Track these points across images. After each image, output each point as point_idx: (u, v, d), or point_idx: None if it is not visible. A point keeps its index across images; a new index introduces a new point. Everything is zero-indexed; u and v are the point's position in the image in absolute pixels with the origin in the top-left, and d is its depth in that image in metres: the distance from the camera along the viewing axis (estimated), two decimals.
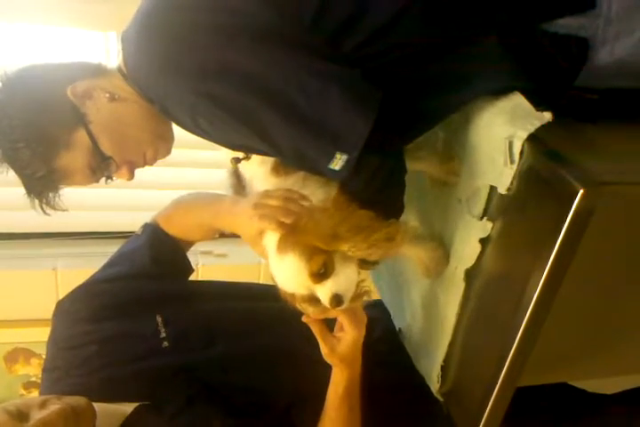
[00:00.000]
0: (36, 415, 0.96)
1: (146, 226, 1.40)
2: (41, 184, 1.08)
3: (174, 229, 1.38)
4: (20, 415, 0.96)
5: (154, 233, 1.38)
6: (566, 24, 1.00)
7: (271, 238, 1.07)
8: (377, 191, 1.04)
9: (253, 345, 1.27)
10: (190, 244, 1.44)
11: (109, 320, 1.25)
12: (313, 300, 1.08)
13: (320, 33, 0.95)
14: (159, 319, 1.25)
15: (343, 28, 0.95)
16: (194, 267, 1.48)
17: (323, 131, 0.93)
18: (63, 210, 1.13)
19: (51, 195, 1.10)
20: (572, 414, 1.41)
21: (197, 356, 1.23)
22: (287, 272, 1.06)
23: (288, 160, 1.01)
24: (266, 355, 1.25)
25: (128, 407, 1.11)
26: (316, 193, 1.08)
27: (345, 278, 1.06)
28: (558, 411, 1.40)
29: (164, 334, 1.23)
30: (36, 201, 1.10)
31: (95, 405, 1.04)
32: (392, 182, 1.06)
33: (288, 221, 1.04)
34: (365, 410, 1.28)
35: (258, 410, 1.17)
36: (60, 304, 1.31)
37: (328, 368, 1.18)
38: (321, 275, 1.04)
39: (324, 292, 1.06)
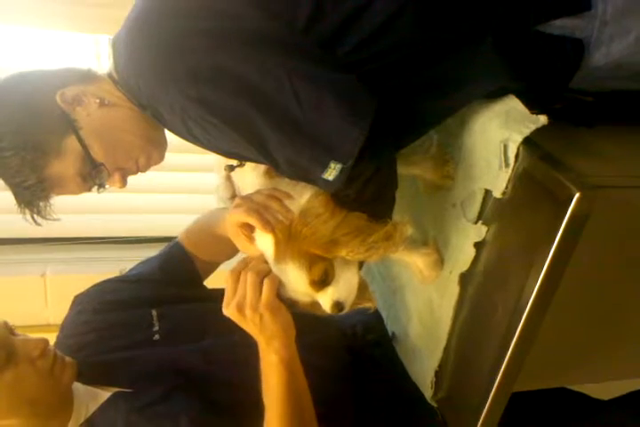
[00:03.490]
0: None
1: (173, 241, 1.49)
2: (30, 193, 1.06)
3: (191, 244, 1.45)
4: (12, 331, 1.12)
5: (173, 246, 1.46)
6: (562, 25, 1.00)
7: (266, 244, 1.05)
8: (366, 202, 1.02)
9: (241, 341, 1.26)
10: (212, 261, 1.47)
11: (109, 312, 1.31)
12: (314, 304, 1.08)
13: (314, 37, 0.94)
14: (154, 313, 1.30)
15: (337, 32, 0.94)
16: None
17: (316, 139, 0.92)
18: (54, 219, 1.11)
19: (41, 204, 1.09)
20: (568, 418, 1.41)
21: (185, 349, 1.25)
22: (288, 281, 1.05)
23: (281, 169, 1.00)
24: (253, 352, 1.23)
25: (109, 394, 1.15)
26: (306, 191, 1.06)
27: (345, 284, 1.06)
28: (554, 416, 1.40)
29: (157, 328, 1.28)
30: (27, 211, 1.09)
31: (83, 387, 1.16)
32: (383, 195, 1.05)
33: (269, 218, 1.04)
34: (358, 415, 1.27)
35: (243, 408, 1.16)
36: (75, 297, 1.39)
37: (317, 370, 1.17)
38: (322, 282, 1.04)
39: (325, 299, 1.06)
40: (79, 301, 1.37)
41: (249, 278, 1.05)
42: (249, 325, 1.08)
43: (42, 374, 1.08)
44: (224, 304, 1.08)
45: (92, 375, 1.18)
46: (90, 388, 1.16)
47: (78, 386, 1.16)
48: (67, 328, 1.32)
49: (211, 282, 1.48)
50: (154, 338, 1.27)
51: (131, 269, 1.47)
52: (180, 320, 1.32)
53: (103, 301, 1.34)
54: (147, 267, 1.44)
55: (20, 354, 1.07)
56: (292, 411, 1.09)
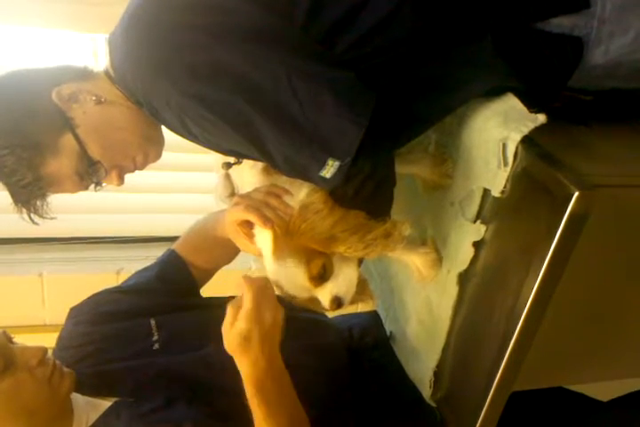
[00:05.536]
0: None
1: (168, 249, 1.46)
2: (27, 192, 1.05)
3: (187, 251, 1.43)
4: (10, 340, 1.10)
5: (168, 255, 1.44)
6: (560, 23, 1.00)
7: (265, 240, 1.05)
8: (364, 200, 1.02)
9: None
10: (209, 267, 1.45)
11: (107, 323, 1.29)
12: (314, 301, 1.07)
13: (312, 33, 0.93)
14: (153, 323, 1.29)
15: (336, 28, 0.94)
16: None
17: (314, 136, 0.92)
18: (51, 218, 1.11)
19: (38, 203, 1.08)
20: (567, 419, 1.41)
21: (185, 357, 1.24)
22: (287, 277, 1.04)
23: (278, 166, 0.99)
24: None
25: (110, 403, 1.15)
26: (304, 187, 1.06)
27: (344, 280, 1.06)
28: (553, 416, 1.40)
29: (156, 337, 1.26)
30: (24, 210, 1.08)
31: (82, 397, 1.15)
32: (381, 193, 1.05)
33: (269, 215, 1.04)
34: (358, 417, 1.27)
35: (246, 414, 1.16)
36: (71, 309, 1.37)
37: (316, 372, 1.16)
38: (321, 278, 1.03)
39: (324, 295, 1.05)
40: (75, 313, 1.35)
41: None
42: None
43: (40, 383, 1.07)
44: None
45: (91, 386, 1.16)
46: (90, 398, 1.16)
47: (77, 397, 1.15)
48: (64, 341, 1.30)
49: (210, 290, 1.48)
50: (153, 347, 1.25)
51: (126, 280, 1.45)
52: (180, 329, 1.30)
53: (100, 312, 1.32)
54: (143, 277, 1.42)
55: (18, 362, 1.06)
56: (278, 413, 1.05)
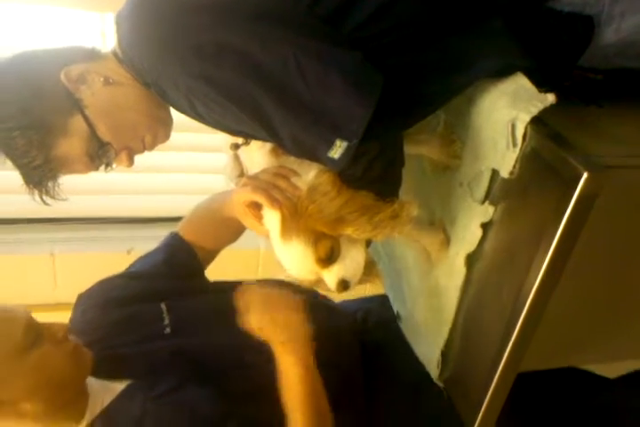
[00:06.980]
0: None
1: (170, 233, 1.46)
2: (39, 173, 1.06)
3: (192, 233, 1.43)
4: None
5: (172, 239, 1.44)
6: (571, 2, 0.99)
7: (272, 221, 1.05)
8: (373, 181, 1.02)
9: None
10: (214, 248, 1.47)
11: (116, 309, 1.30)
12: (320, 283, 1.08)
13: (319, 13, 0.92)
14: (164, 307, 1.29)
15: (343, 8, 0.93)
16: None
17: (322, 117, 0.91)
18: (63, 199, 1.11)
19: (50, 184, 1.09)
20: (575, 395, 1.41)
21: (196, 340, 1.25)
22: (293, 259, 1.05)
23: (286, 147, 0.99)
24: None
25: (124, 386, 1.16)
26: (312, 168, 1.06)
27: (351, 262, 1.06)
28: (559, 393, 1.40)
29: (167, 321, 1.27)
30: (36, 191, 1.09)
31: (97, 381, 1.16)
32: (389, 173, 1.04)
33: (277, 196, 1.04)
34: (364, 397, 1.28)
35: (259, 394, 1.17)
36: (79, 296, 1.37)
37: (326, 357, 1.17)
38: (328, 260, 1.04)
39: (330, 277, 1.06)
40: (83, 300, 1.35)
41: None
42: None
43: (66, 356, 1.09)
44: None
45: (105, 369, 1.17)
46: (104, 382, 1.17)
47: (92, 381, 1.16)
48: (73, 327, 1.30)
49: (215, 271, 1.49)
50: (164, 332, 1.26)
51: (132, 265, 1.45)
52: (190, 312, 1.31)
53: (109, 297, 1.32)
54: (149, 262, 1.42)
55: (45, 335, 1.08)
56: (315, 407, 1.09)
